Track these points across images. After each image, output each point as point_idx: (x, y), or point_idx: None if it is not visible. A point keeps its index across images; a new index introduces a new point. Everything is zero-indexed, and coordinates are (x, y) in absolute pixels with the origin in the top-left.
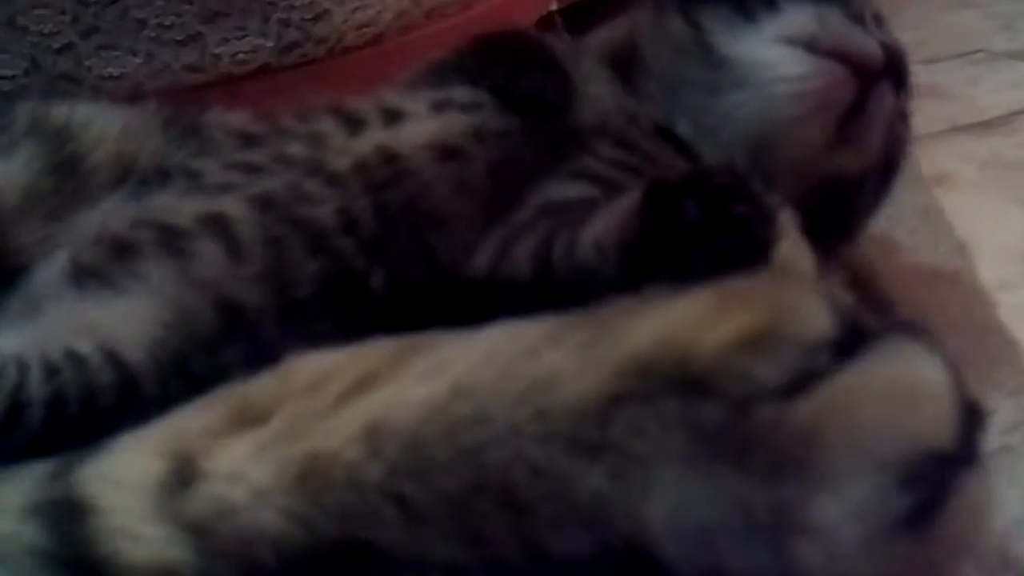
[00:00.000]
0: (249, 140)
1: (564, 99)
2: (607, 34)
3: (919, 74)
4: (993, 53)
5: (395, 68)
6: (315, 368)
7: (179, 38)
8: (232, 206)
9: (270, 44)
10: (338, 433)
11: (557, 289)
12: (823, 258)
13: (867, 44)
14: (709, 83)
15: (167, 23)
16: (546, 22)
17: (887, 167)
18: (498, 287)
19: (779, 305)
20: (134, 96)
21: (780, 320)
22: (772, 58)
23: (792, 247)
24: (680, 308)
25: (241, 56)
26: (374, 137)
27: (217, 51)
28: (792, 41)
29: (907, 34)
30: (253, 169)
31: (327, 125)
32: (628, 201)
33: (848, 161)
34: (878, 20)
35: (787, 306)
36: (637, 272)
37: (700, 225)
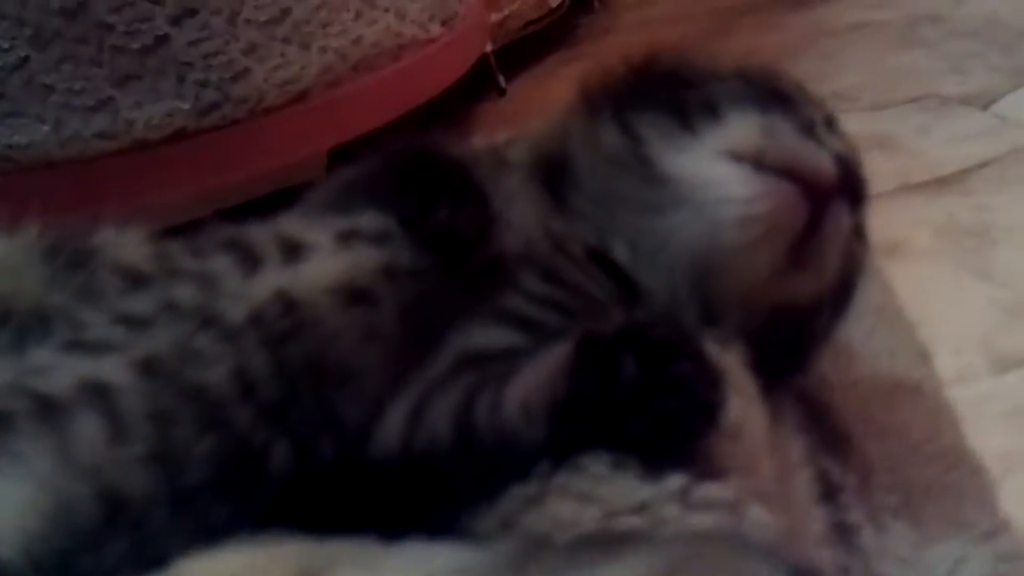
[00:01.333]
0: (137, 281)
1: (481, 230)
2: (536, 141)
3: (866, 123)
4: (943, 98)
5: (321, 127)
6: None
7: (90, 104)
8: (114, 372)
9: (186, 107)
10: None
11: (481, 457)
12: (775, 392)
13: (820, 159)
14: (647, 202)
15: (76, 88)
16: (479, 66)
17: (843, 290)
18: (413, 459)
19: None
20: (13, 220)
21: None
22: (716, 176)
23: (744, 405)
24: None
25: (156, 120)
26: (272, 279)
27: (130, 116)
28: (737, 156)
29: (853, 76)
30: (139, 323)
31: (221, 263)
32: (558, 355)
33: (801, 288)
34: (830, 125)
35: None
36: (568, 438)
37: (638, 385)
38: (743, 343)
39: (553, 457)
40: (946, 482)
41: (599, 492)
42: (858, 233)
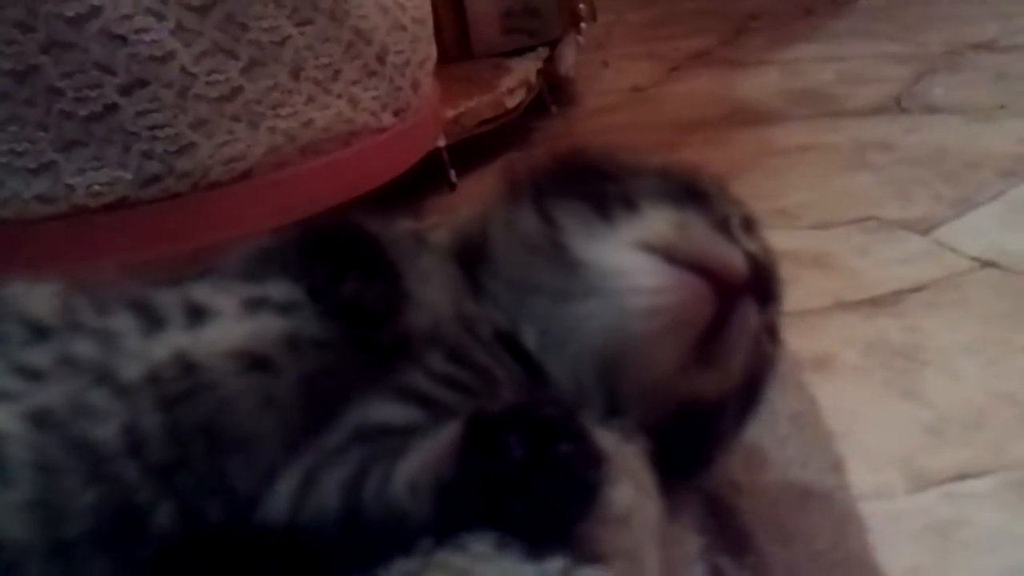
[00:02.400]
0: (39, 333)
1: (389, 307)
2: (458, 224)
3: (807, 241)
4: (885, 222)
5: (265, 206)
6: None
7: (31, 166)
8: (5, 420)
9: (129, 176)
10: None
11: (366, 531)
12: (678, 488)
13: (731, 255)
14: (559, 289)
15: (19, 149)
16: (431, 159)
17: (750, 390)
18: (299, 529)
19: None
20: None
21: None
22: (627, 266)
23: (635, 490)
24: None
25: (97, 188)
26: (172, 340)
27: (71, 181)
28: (650, 248)
29: (798, 195)
30: (35, 375)
31: (123, 321)
32: (448, 435)
33: (707, 384)
34: (748, 226)
35: None
36: (452, 516)
37: (522, 465)
38: (646, 436)
39: (437, 535)
40: None
41: (478, 570)
42: (770, 334)
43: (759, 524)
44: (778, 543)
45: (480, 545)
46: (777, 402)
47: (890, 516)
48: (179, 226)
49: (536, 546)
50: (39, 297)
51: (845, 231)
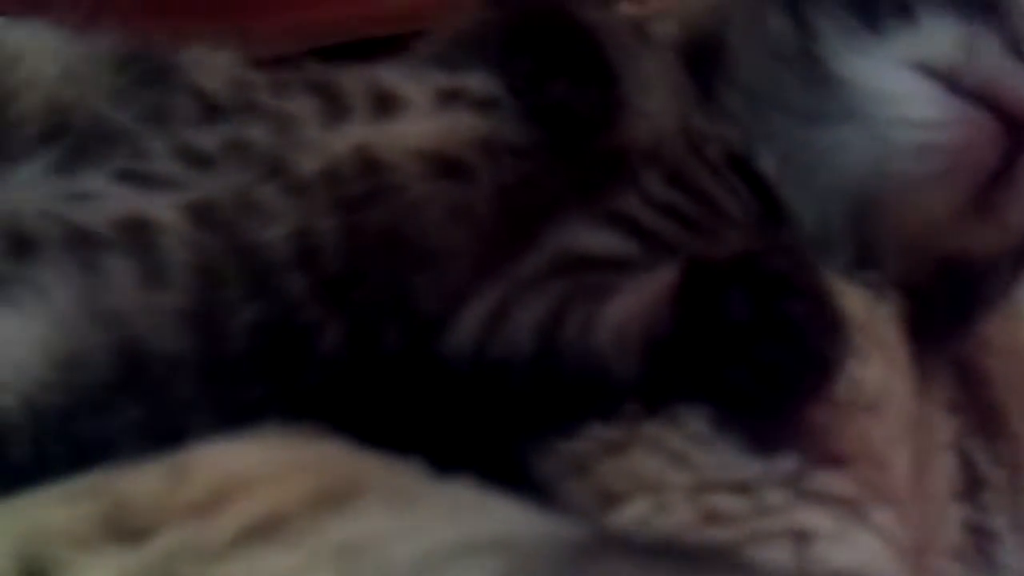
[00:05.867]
0: (211, 112)
1: (603, 115)
2: (688, 18)
3: None
4: None
5: None
6: (216, 477)
7: None
8: (164, 212)
9: None
10: None
11: (562, 380)
12: (930, 356)
13: None
14: (810, 108)
15: None
16: None
17: None
18: (485, 367)
19: None
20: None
21: None
22: (899, 89)
23: (886, 367)
24: None
25: None
26: (355, 131)
27: None
28: (929, 70)
29: None
30: (201, 161)
31: (302, 106)
32: (662, 281)
33: (980, 240)
34: None
35: None
36: (664, 380)
37: (746, 327)
38: (901, 295)
39: (644, 400)
40: None
41: (694, 456)
42: None
43: (1013, 396)
44: None
45: (696, 423)
46: None
47: None
48: None
49: (763, 438)
50: (215, 68)
51: None
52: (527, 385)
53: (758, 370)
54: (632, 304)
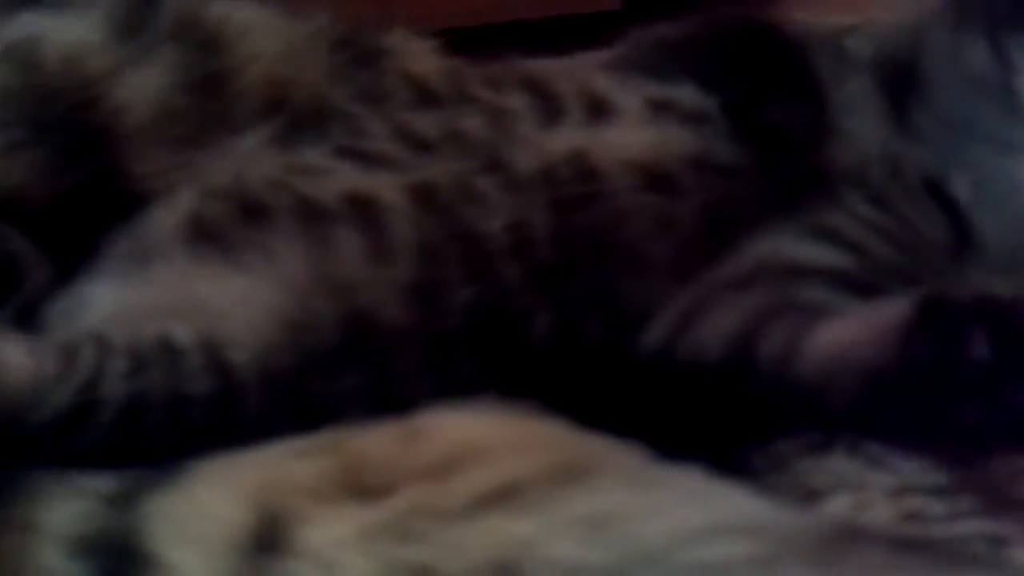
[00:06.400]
0: (426, 98)
1: (815, 137)
2: (883, 37)
3: None
4: None
5: None
6: (450, 441)
7: None
8: (388, 191)
9: None
10: (461, 556)
11: (755, 392)
12: None
13: None
14: (1006, 139)
15: None
16: None
17: None
18: (672, 367)
19: None
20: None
21: None
22: None
23: None
24: None
25: None
26: (571, 136)
27: None
28: None
29: None
30: (421, 145)
31: (518, 102)
32: (888, 313)
33: None
34: None
35: None
36: (884, 411)
37: (987, 367)
38: None
39: (855, 428)
40: None
41: (891, 461)
42: None
43: None
44: None
45: (923, 474)
46: None
47: None
48: None
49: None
50: (419, 54)
51: None
52: (716, 391)
53: (997, 410)
54: (848, 333)
